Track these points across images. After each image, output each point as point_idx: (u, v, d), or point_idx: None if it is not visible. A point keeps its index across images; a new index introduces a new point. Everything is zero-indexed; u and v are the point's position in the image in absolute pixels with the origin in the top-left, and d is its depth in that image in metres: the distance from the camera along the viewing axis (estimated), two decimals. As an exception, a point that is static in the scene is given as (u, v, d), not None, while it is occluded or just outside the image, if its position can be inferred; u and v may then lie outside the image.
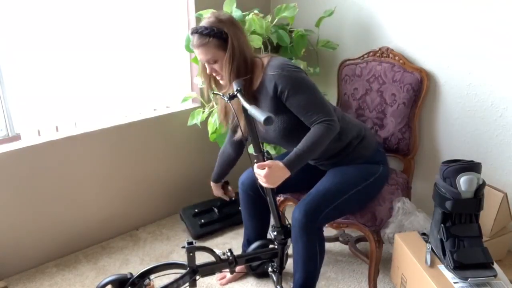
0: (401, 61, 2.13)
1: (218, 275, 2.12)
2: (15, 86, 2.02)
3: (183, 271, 1.78)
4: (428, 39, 2.10)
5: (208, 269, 1.84)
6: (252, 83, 1.77)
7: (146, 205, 2.56)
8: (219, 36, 1.67)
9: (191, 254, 1.76)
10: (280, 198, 2.06)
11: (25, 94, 2.07)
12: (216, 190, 2.17)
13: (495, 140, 2.01)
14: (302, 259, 1.77)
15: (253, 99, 1.76)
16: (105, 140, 2.29)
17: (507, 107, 1.93)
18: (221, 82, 1.78)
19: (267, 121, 1.43)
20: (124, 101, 2.40)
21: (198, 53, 1.71)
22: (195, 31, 1.70)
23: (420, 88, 2.07)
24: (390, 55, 2.17)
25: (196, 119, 2.34)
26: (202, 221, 2.46)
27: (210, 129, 2.30)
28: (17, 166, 2.05)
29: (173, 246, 2.40)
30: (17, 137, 2.08)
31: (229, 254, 1.86)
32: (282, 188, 1.76)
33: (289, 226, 1.87)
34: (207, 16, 1.73)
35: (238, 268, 1.92)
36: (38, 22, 2.02)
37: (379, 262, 1.92)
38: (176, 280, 1.74)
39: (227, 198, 2.20)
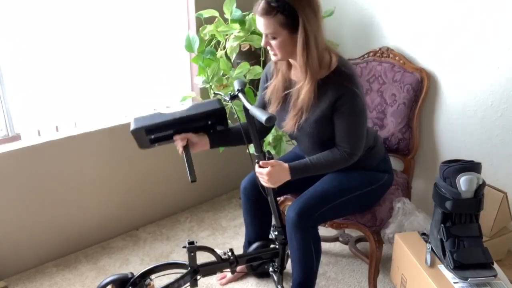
0: (401, 61, 2.14)
1: (218, 275, 2.12)
2: (15, 86, 2.02)
3: (184, 271, 1.79)
4: (429, 39, 2.10)
5: (209, 269, 1.85)
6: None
7: (146, 205, 2.56)
8: (287, 14, 1.49)
9: (192, 254, 1.77)
10: (280, 198, 2.06)
11: (25, 94, 2.06)
12: (182, 141, 1.73)
13: (495, 140, 2.01)
14: (297, 258, 1.77)
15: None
16: (105, 140, 2.29)
17: (507, 107, 1.94)
18: (272, 58, 1.64)
19: (269, 121, 1.43)
20: (124, 101, 2.40)
21: (258, 22, 1.55)
22: None
23: (420, 88, 2.08)
24: (390, 55, 2.18)
25: (196, 119, 2.34)
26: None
27: (210, 129, 2.30)
28: (17, 166, 2.05)
29: (173, 246, 2.40)
30: (17, 137, 2.08)
31: (230, 254, 1.87)
32: (283, 188, 1.76)
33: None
34: None
35: (238, 268, 1.93)
36: (38, 22, 2.02)
37: (379, 262, 1.93)
38: (177, 280, 1.75)
39: (180, 150, 1.75)
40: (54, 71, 2.12)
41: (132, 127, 1.63)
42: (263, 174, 1.64)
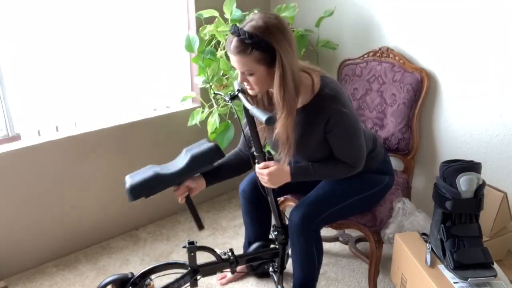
0: (401, 61, 2.14)
1: (218, 275, 2.12)
2: (15, 86, 2.02)
3: (184, 271, 1.79)
4: (428, 39, 2.10)
5: (209, 269, 1.84)
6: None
7: (146, 205, 2.56)
8: (263, 50, 1.42)
9: (192, 254, 1.77)
10: (280, 198, 2.06)
11: (25, 94, 2.06)
12: (183, 194, 1.74)
13: (495, 140, 2.01)
14: (299, 260, 1.77)
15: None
16: (105, 140, 2.29)
17: (507, 107, 1.94)
18: (249, 92, 1.59)
19: (269, 121, 1.43)
20: (124, 101, 2.40)
21: (233, 60, 1.48)
22: (236, 33, 1.43)
23: (420, 88, 2.08)
24: (390, 55, 2.18)
25: (196, 119, 2.34)
26: None
27: (210, 128, 2.30)
28: (17, 166, 2.05)
29: (173, 246, 2.40)
30: (17, 137, 2.08)
31: (230, 254, 1.87)
32: (283, 188, 1.76)
33: (289, 226, 1.88)
34: (254, 17, 1.44)
35: (239, 268, 1.92)
36: (38, 22, 2.02)
37: (379, 262, 1.93)
38: (177, 280, 1.75)
39: (181, 201, 1.78)
40: (54, 71, 2.12)
41: (130, 199, 1.63)
42: (264, 175, 1.64)
